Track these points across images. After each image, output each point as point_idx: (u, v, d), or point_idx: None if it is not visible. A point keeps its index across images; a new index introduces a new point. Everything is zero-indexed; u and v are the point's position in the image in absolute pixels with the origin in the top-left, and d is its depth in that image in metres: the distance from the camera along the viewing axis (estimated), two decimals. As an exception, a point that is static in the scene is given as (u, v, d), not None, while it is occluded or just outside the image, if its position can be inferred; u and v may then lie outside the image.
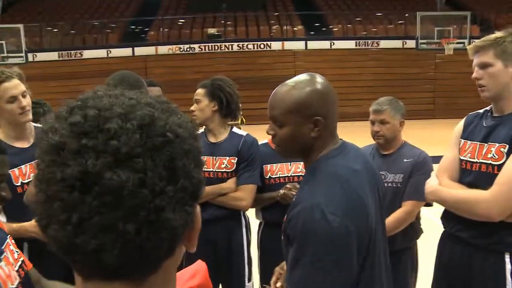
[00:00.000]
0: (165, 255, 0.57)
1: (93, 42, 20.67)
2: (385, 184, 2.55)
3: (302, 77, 1.55)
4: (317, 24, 21.37)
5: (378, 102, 2.78)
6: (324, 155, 1.52)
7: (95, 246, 0.52)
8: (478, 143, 2.11)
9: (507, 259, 2.00)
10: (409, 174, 2.65)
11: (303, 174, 2.79)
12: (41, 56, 19.23)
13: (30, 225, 2.22)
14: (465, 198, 2.06)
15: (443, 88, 19.61)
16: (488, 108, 2.20)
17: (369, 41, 20.21)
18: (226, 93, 2.86)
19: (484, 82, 2.08)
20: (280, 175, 2.82)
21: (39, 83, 15.44)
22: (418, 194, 2.59)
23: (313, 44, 20.11)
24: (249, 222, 2.95)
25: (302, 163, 2.79)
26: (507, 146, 1.98)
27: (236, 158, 2.81)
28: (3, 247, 1.67)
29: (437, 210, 2.45)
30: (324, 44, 20.10)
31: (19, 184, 2.35)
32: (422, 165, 2.66)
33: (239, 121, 16.94)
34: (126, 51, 19.69)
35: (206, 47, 19.97)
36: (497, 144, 2.02)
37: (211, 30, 20.91)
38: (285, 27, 21.08)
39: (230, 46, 19.94)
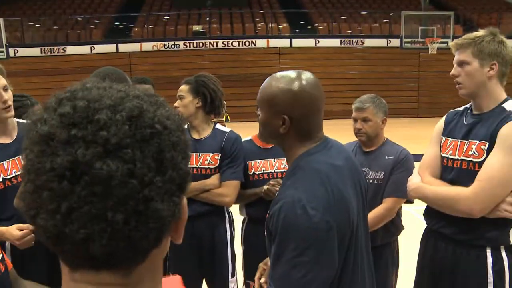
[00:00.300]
0: (152, 245, 0.57)
1: (77, 38, 20.42)
2: (367, 181, 2.57)
3: (289, 73, 1.56)
4: (302, 22, 21.42)
5: (360, 100, 2.80)
6: (305, 152, 1.54)
7: (84, 236, 0.52)
8: (459, 140, 2.14)
9: (489, 254, 2.05)
10: (390, 171, 2.68)
11: (286, 170, 2.81)
12: (23, 52, 18.94)
13: (6, 230, 2.20)
14: (447, 195, 2.08)
15: (427, 87, 19.81)
16: (468, 105, 2.23)
17: (354, 39, 20.32)
18: (210, 89, 2.86)
19: (461, 80, 2.12)
20: (264, 171, 2.84)
21: (21, 79, 15.24)
22: (398, 191, 2.62)
23: (298, 42, 20.15)
24: (232, 218, 2.96)
25: (285, 159, 2.83)
26: (487, 143, 2.02)
27: (220, 155, 2.82)
28: None
29: (418, 207, 2.48)
30: (309, 42, 20.15)
31: (0, 180, 2.32)
32: (403, 163, 2.69)
33: (224, 119, 16.93)
34: (110, 47, 19.49)
35: (191, 44, 19.87)
36: (478, 142, 2.05)
37: (196, 27, 20.82)
38: (270, 25, 21.08)
39: (215, 43, 19.87)
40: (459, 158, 2.12)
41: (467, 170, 2.07)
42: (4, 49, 16.94)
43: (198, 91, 2.84)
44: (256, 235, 2.82)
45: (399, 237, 2.87)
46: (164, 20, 21.65)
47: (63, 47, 19.54)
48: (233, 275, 2.94)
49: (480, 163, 2.02)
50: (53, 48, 19.44)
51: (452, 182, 2.13)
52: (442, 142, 2.23)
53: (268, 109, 1.55)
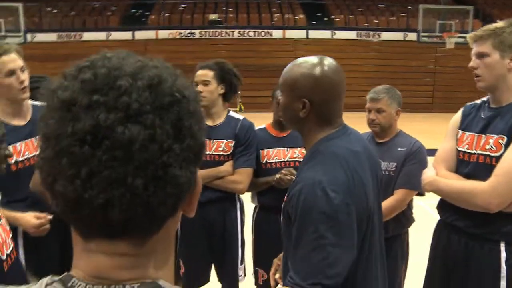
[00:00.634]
0: (169, 212, 0.58)
1: (93, 24, 20.52)
2: (380, 172, 2.55)
3: (311, 59, 1.59)
4: (318, 14, 21.27)
5: (375, 91, 2.78)
6: (324, 137, 1.54)
7: (103, 201, 0.53)
8: (476, 134, 2.11)
9: (502, 248, 2.03)
10: (402, 163, 2.66)
11: (299, 159, 2.81)
12: (40, 37, 19.10)
13: (21, 217, 2.22)
14: (463, 189, 2.06)
15: (443, 82, 19.60)
16: (485, 98, 2.20)
17: (371, 32, 20.14)
18: (235, 77, 2.85)
19: (480, 72, 2.08)
20: (277, 160, 2.83)
21: (37, 64, 15.33)
22: (410, 183, 2.60)
23: (314, 34, 20.03)
24: (243, 205, 2.96)
25: (298, 148, 2.84)
26: (506, 138, 1.98)
27: (234, 141, 2.81)
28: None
29: (429, 201, 2.46)
30: (325, 34, 20.02)
31: (13, 162, 2.33)
32: (416, 154, 2.66)
33: (238, 108, 16.94)
34: (126, 35, 19.57)
35: (207, 33, 19.87)
36: (495, 136, 2.02)
37: (212, 16, 20.80)
38: (286, 16, 20.97)
39: (231, 33, 19.85)
40: (476, 152, 2.09)
41: (484, 164, 2.04)
42: (22, 34, 17.11)
43: (224, 78, 2.81)
44: (267, 223, 2.82)
45: (409, 229, 2.86)
46: (180, 8, 21.65)
47: (79, 33, 19.67)
48: (241, 262, 2.95)
49: (498, 158, 1.99)
50: (70, 34, 19.57)
51: (468, 176, 2.10)
52: (459, 135, 2.20)
53: (289, 93, 1.56)
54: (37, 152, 0.58)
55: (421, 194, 2.66)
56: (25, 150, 2.37)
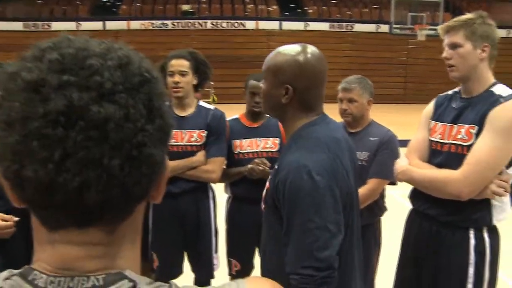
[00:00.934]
0: (143, 193, 0.58)
1: (62, 13, 20.05)
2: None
3: (295, 46, 1.60)
4: (292, 5, 21.29)
5: (347, 81, 2.79)
6: (306, 124, 1.56)
7: (78, 184, 0.51)
8: (448, 124, 2.14)
9: (472, 235, 2.08)
10: (375, 153, 2.67)
11: (272, 150, 2.80)
12: (4, 26, 18.54)
13: None
14: (436, 178, 2.10)
15: (415, 74, 19.92)
16: (457, 89, 2.23)
17: (344, 24, 20.28)
18: (208, 69, 2.84)
19: (454, 62, 2.10)
20: (249, 150, 2.82)
21: (1, 54, 14.93)
22: (382, 172, 2.62)
23: (288, 25, 20.05)
24: (215, 194, 2.95)
25: (271, 139, 2.83)
26: (476, 127, 2.02)
27: (206, 131, 2.79)
28: None
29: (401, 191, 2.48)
30: (299, 25, 20.07)
31: None
32: (388, 144, 2.68)
33: (211, 100, 16.84)
34: (96, 25, 19.21)
35: (180, 24, 19.67)
36: (467, 125, 2.05)
37: (185, 7, 20.58)
38: (260, 7, 20.92)
39: (204, 24, 19.69)
40: (447, 142, 2.12)
41: (456, 153, 2.07)
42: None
43: (198, 68, 2.80)
44: (240, 213, 2.82)
45: (381, 218, 2.89)
46: (152, -2, 21.34)
47: (47, 22, 19.18)
48: (215, 251, 2.94)
49: (469, 147, 2.02)
50: (38, 24, 19.07)
51: (440, 165, 2.13)
52: (431, 126, 2.22)
53: (272, 79, 1.57)
54: None
55: (393, 183, 2.68)
56: None
